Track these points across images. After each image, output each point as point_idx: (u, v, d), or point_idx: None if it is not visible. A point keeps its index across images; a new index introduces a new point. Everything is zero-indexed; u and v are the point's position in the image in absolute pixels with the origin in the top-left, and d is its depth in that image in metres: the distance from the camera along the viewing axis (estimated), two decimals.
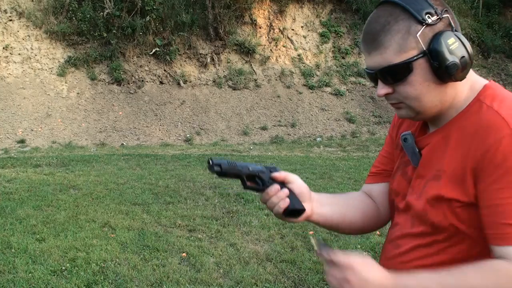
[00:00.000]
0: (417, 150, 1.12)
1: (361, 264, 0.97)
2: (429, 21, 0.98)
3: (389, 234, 1.21)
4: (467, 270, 0.96)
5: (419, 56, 0.99)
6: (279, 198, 1.16)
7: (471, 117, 1.02)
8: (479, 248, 1.01)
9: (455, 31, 1.00)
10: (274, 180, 1.21)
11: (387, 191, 1.26)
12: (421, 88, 1.02)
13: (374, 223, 1.30)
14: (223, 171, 1.15)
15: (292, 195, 1.18)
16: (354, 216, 1.27)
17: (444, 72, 0.99)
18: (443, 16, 1.00)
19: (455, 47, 0.98)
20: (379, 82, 1.06)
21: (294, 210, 1.18)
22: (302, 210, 1.19)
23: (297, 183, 1.20)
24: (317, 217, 1.23)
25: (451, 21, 1.01)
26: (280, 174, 1.19)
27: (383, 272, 0.98)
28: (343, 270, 0.97)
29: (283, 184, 1.20)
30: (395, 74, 1.02)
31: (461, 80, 1.02)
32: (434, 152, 1.08)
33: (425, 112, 1.05)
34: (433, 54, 0.98)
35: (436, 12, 0.99)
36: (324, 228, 1.30)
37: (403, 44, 0.99)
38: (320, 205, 1.24)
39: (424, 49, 0.99)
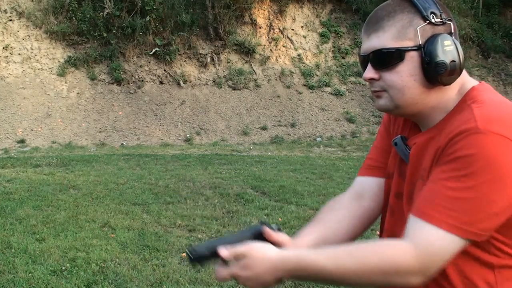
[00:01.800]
0: (407, 152, 1.13)
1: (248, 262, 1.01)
2: (433, 20, 1.02)
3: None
4: (365, 248, 0.99)
5: (414, 48, 1.02)
6: None
7: (453, 118, 1.04)
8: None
9: (454, 38, 1.04)
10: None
11: (382, 186, 1.25)
12: (407, 81, 1.04)
13: (365, 225, 1.28)
14: (203, 263, 1.09)
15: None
16: (341, 234, 1.23)
17: (433, 69, 1.01)
18: (446, 22, 1.04)
19: (449, 49, 1.01)
20: (368, 66, 1.08)
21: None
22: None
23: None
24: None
25: (453, 29, 1.04)
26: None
27: (272, 257, 1.01)
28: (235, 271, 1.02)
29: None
30: (386, 58, 1.04)
31: (445, 85, 1.04)
32: (419, 151, 1.09)
33: (404, 107, 1.07)
34: (426, 50, 1.01)
35: (441, 16, 1.03)
36: None
37: (402, 32, 1.03)
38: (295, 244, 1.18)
39: (420, 43, 1.02)
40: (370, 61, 1.07)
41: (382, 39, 1.04)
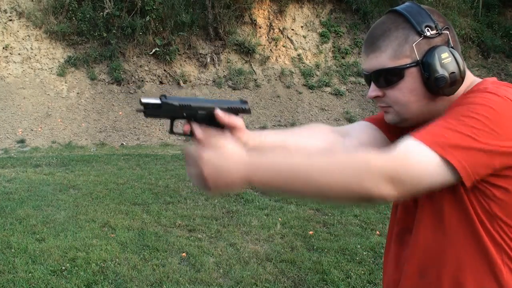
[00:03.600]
0: None
1: (212, 155, 0.97)
2: (428, 34, 1.03)
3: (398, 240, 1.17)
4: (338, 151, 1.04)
5: (412, 65, 1.04)
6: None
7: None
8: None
9: (452, 47, 1.05)
10: (216, 122, 1.05)
11: (375, 134, 1.24)
12: (409, 96, 1.06)
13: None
14: (155, 113, 1.01)
15: None
16: (300, 138, 1.21)
17: (433, 84, 1.03)
18: (443, 32, 1.05)
19: (447, 61, 1.02)
20: (372, 84, 1.11)
21: None
22: None
23: (244, 132, 1.08)
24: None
25: (450, 38, 1.06)
26: (224, 116, 1.07)
27: (238, 155, 0.97)
28: (196, 162, 0.98)
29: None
30: (387, 78, 1.07)
31: (449, 95, 1.06)
32: None
33: (411, 119, 1.10)
34: (425, 65, 1.03)
35: (436, 27, 1.04)
36: None
37: (398, 50, 1.05)
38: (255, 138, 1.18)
39: (418, 59, 1.04)
40: (373, 80, 1.10)
41: (380, 59, 1.06)
